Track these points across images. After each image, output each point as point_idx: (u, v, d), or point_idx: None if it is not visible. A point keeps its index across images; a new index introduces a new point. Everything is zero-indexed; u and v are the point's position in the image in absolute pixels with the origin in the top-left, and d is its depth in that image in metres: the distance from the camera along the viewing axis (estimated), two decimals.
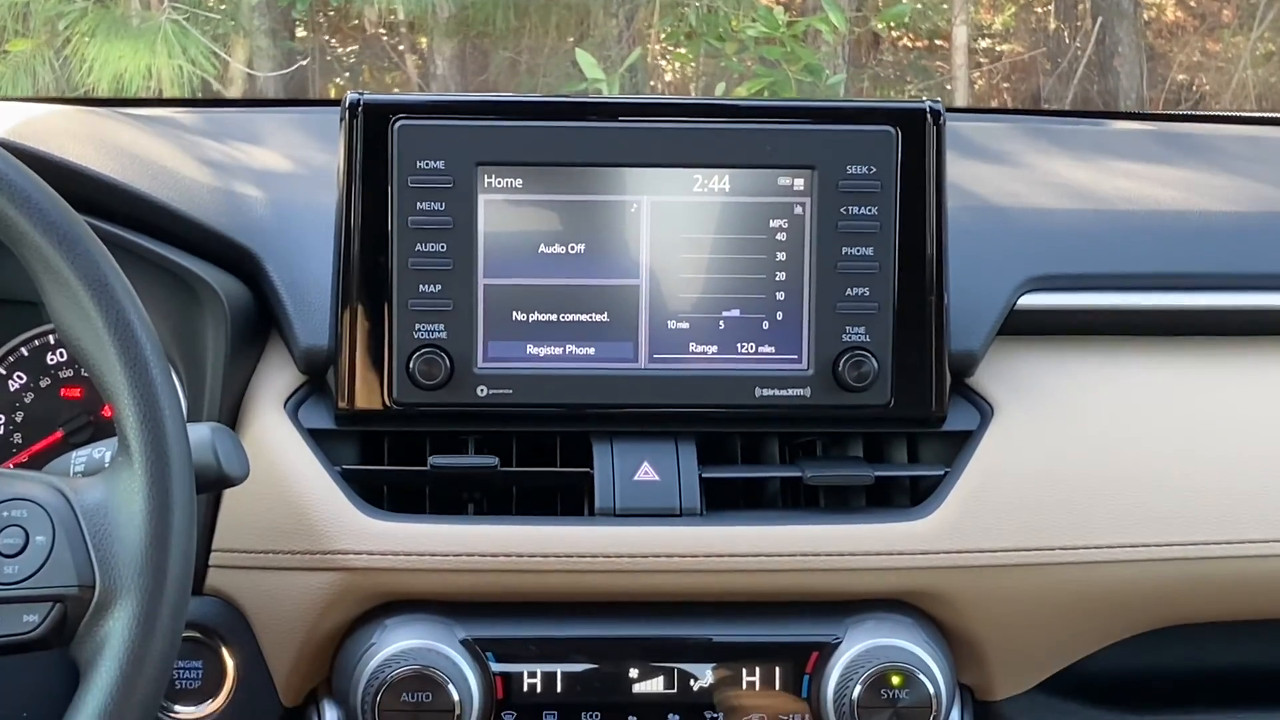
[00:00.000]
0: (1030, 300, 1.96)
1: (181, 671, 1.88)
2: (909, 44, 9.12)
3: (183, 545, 1.53)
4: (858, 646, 1.85)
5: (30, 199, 1.53)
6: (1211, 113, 6.07)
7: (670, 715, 1.86)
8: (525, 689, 1.85)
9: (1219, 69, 8.87)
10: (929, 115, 1.88)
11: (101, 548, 1.52)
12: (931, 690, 1.83)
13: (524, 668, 1.85)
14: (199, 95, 6.53)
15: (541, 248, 1.86)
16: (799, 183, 1.87)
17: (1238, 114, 4.73)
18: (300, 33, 8.20)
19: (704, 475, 1.88)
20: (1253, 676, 2.02)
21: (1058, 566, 1.89)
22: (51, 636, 1.52)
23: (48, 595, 1.52)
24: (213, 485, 1.64)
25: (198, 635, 1.87)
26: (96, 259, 1.54)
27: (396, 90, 8.35)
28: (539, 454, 1.91)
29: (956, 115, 2.27)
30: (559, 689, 1.85)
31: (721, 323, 1.87)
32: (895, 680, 1.83)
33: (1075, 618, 1.92)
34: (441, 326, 1.85)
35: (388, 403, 1.86)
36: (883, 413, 1.89)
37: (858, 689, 1.83)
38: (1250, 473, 1.94)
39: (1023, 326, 1.96)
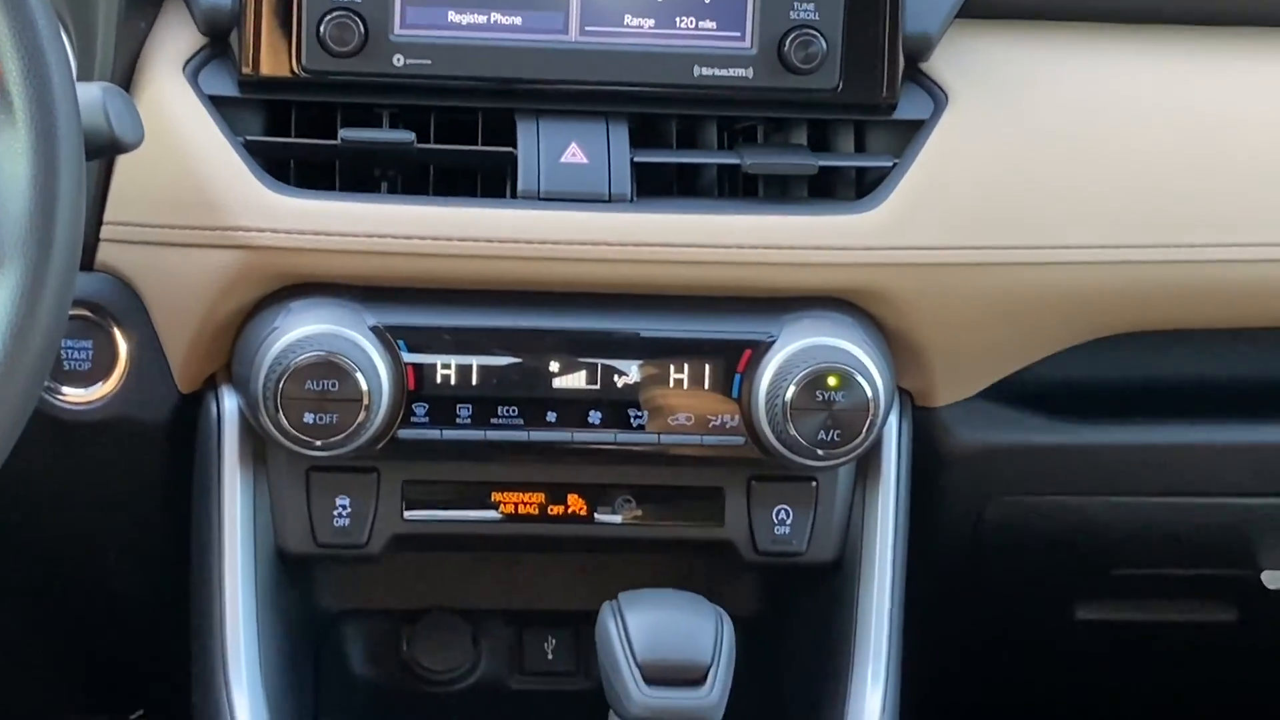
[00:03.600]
0: None
1: (69, 351, 1.77)
2: None
3: (70, 212, 1.41)
4: (793, 345, 1.75)
5: None
6: None
7: (592, 412, 1.76)
8: (438, 380, 1.74)
9: None
10: None
11: None
12: (869, 393, 1.74)
13: (437, 358, 1.74)
14: None
15: None
16: None
17: None
18: None
19: (636, 159, 1.76)
20: (1198, 389, 1.94)
21: (1009, 267, 1.79)
22: None
23: None
24: (103, 150, 1.52)
25: (87, 314, 1.76)
26: None
27: None
28: (459, 132, 1.77)
29: None
30: (474, 381, 1.75)
31: None
32: (831, 381, 1.73)
33: (1024, 321, 1.82)
34: None
35: (296, 70, 1.73)
36: (830, 97, 1.77)
37: (791, 389, 1.73)
38: (1217, 175, 1.83)
39: (985, 9, 1.84)
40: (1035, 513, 1.93)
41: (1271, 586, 1.98)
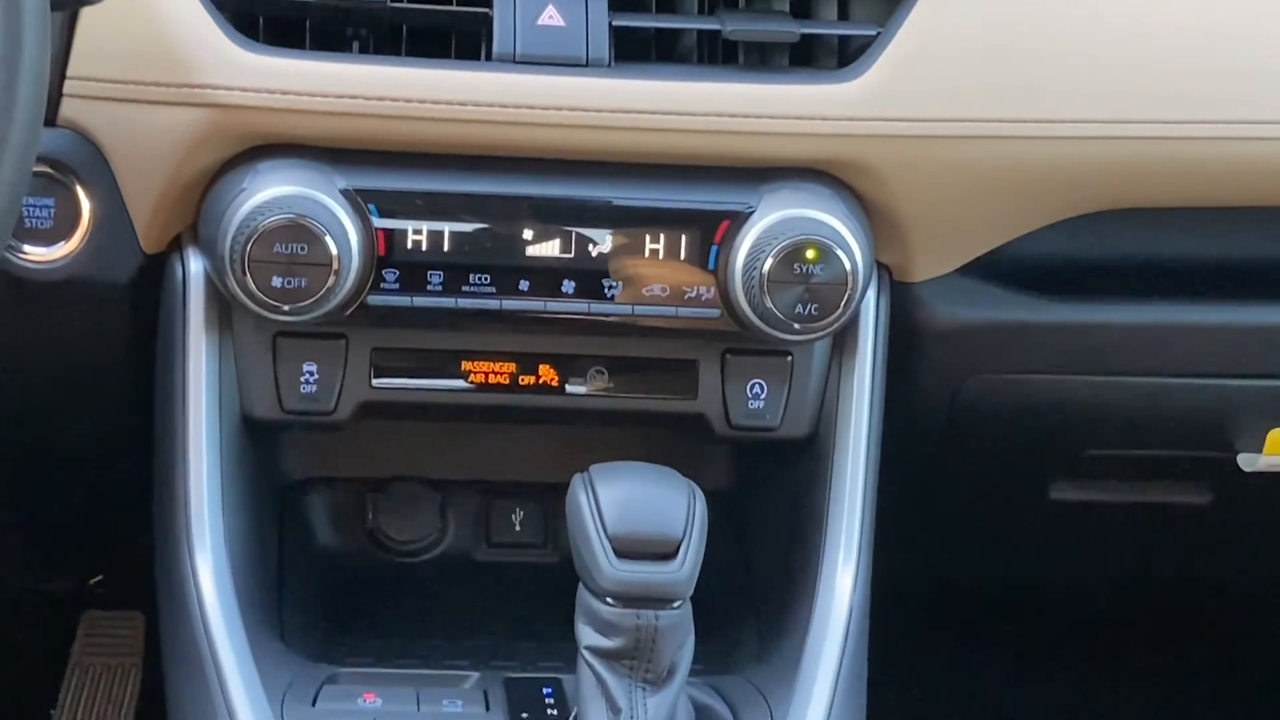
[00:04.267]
0: None
1: (31, 209, 1.73)
2: None
3: (35, 65, 1.38)
4: (772, 216, 1.71)
5: None
6: None
7: (565, 282, 1.73)
8: (409, 246, 1.71)
9: None
10: None
11: None
12: (848, 266, 1.71)
13: (408, 223, 1.70)
14: None
15: None
16: None
17: None
18: None
19: (614, 23, 1.72)
20: (1178, 269, 1.92)
21: (994, 140, 1.75)
22: None
23: None
24: (67, 1, 1.48)
25: (50, 171, 1.72)
26: None
27: None
28: None
29: None
30: (446, 248, 1.71)
31: None
32: (810, 254, 1.70)
33: (1007, 196, 1.79)
34: None
35: None
36: None
37: (769, 261, 1.70)
38: (1212, 49, 1.79)
39: None
40: (1012, 391, 1.91)
41: (1247, 469, 1.96)
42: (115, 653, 2.54)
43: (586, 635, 1.60)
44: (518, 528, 1.97)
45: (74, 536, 2.26)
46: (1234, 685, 2.71)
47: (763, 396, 1.81)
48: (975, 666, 2.68)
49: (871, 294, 1.80)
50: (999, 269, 1.86)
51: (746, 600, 1.89)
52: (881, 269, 1.82)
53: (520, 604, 1.90)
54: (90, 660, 2.54)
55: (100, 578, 2.48)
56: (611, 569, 1.57)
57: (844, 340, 1.81)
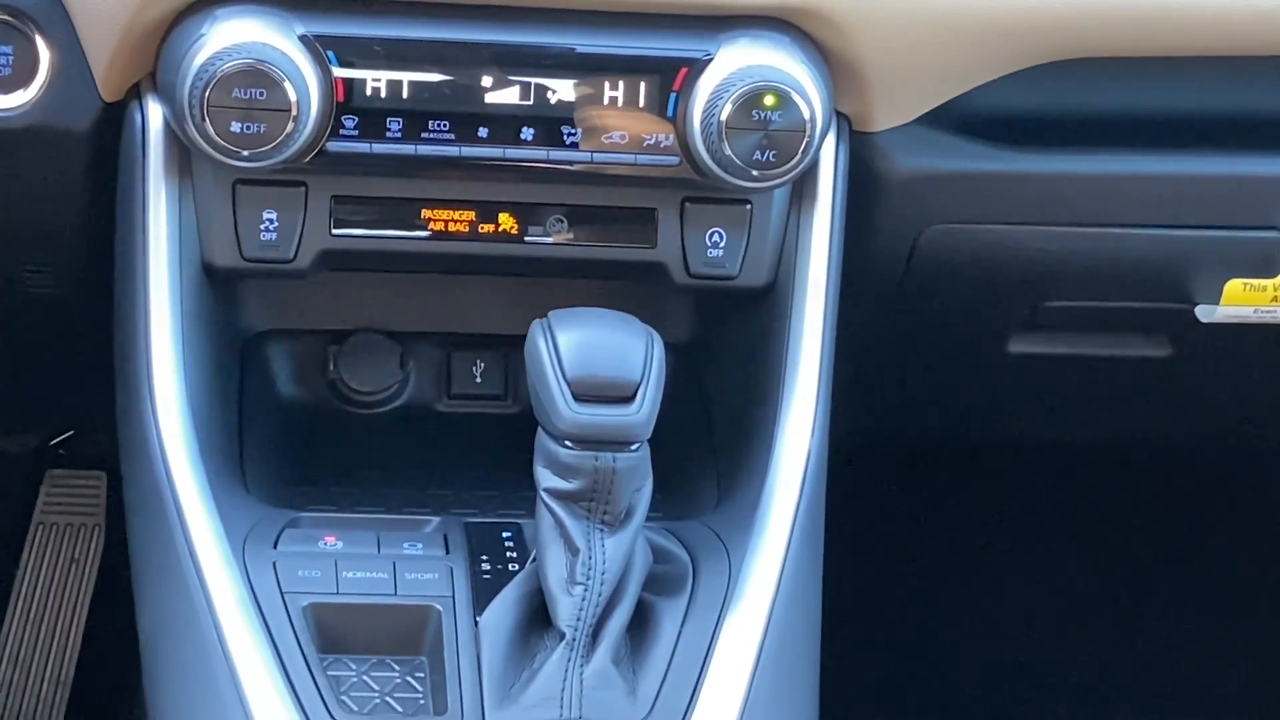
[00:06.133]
0: None
1: None
2: None
3: None
4: (731, 64, 1.72)
5: None
6: None
7: (524, 129, 1.73)
8: (368, 92, 1.70)
9: None
10: None
11: None
12: (806, 113, 1.71)
13: (367, 69, 1.70)
14: None
15: None
16: None
17: None
18: None
19: None
20: (1137, 120, 1.92)
21: None
22: None
23: None
24: None
25: (7, 18, 1.72)
26: None
27: None
28: None
29: None
30: (405, 94, 1.71)
31: None
32: (768, 100, 1.70)
33: (965, 44, 1.80)
34: None
35: None
36: None
37: (728, 108, 1.70)
38: None
39: None
40: (970, 240, 1.92)
41: (1204, 320, 1.97)
42: (78, 511, 2.56)
43: (545, 478, 1.61)
44: (478, 379, 1.98)
45: (36, 393, 2.26)
46: (1193, 538, 2.74)
47: (721, 245, 1.81)
48: (941, 527, 2.70)
49: (830, 143, 1.80)
50: (958, 119, 1.86)
51: (706, 451, 1.90)
52: (841, 119, 1.82)
53: (481, 454, 1.91)
54: (53, 519, 2.55)
55: (63, 436, 2.48)
56: (570, 412, 1.58)
57: (803, 189, 1.81)
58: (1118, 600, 2.76)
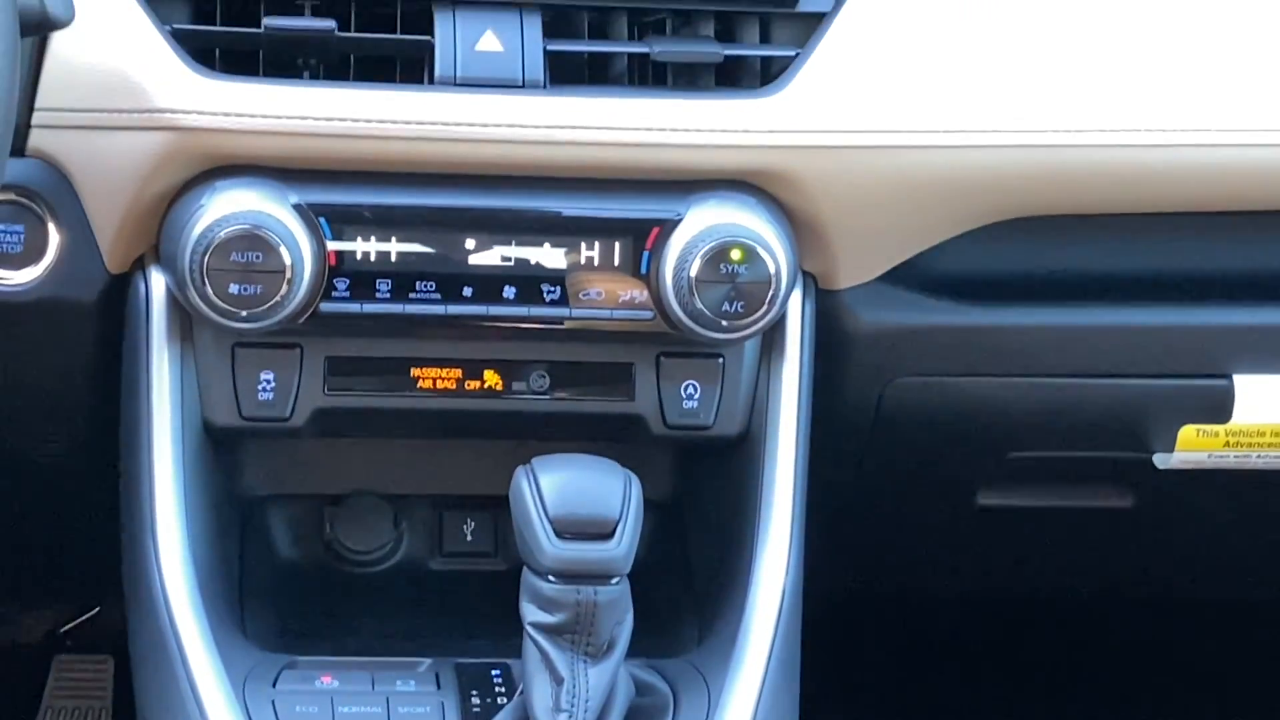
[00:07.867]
0: None
1: (2, 235, 1.82)
2: None
3: (4, 93, 1.47)
4: (699, 223, 1.82)
5: None
6: None
7: (507, 288, 1.83)
8: (359, 256, 1.80)
9: None
10: None
11: None
12: (771, 267, 1.81)
13: (358, 234, 1.80)
14: None
15: None
16: None
17: None
18: None
19: (549, 48, 1.83)
20: (1093, 275, 2.01)
21: (908, 150, 1.86)
22: None
23: None
24: (36, 27, 1.57)
25: (20, 199, 1.82)
26: None
27: None
28: (378, 23, 1.84)
29: None
30: (393, 257, 1.81)
31: None
32: (735, 255, 1.80)
33: (922, 203, 1.89)
34: None
35: None
36: None
37: (697, 263, 1.80)
38: (1119, 59, 1.90)
39: None
40: (935, 393, 2.00)
41: (1161, 466, 2.04)
42: (86, 695, 2.62)
43: (530, 612, 1.69)
44: (469, 537, 2.05)
45: (47, 567, 2.32)
46: (1165, 684, 2.77)
47: (696, 396, 1.90)
48: (914, 680, 2.75)
49: (797, 300, 1.90)
50: (919, 276, 1.95)
51: (688, 597, 1.98)
52: (807, 277, 1.92)
53: (472, 607, 1.99)
54: (61, 703, 2.62)
55: (96, 610, 2.55)
56: (552, 548, 1.67)
57: (772, 342, 1.90)
58: None
